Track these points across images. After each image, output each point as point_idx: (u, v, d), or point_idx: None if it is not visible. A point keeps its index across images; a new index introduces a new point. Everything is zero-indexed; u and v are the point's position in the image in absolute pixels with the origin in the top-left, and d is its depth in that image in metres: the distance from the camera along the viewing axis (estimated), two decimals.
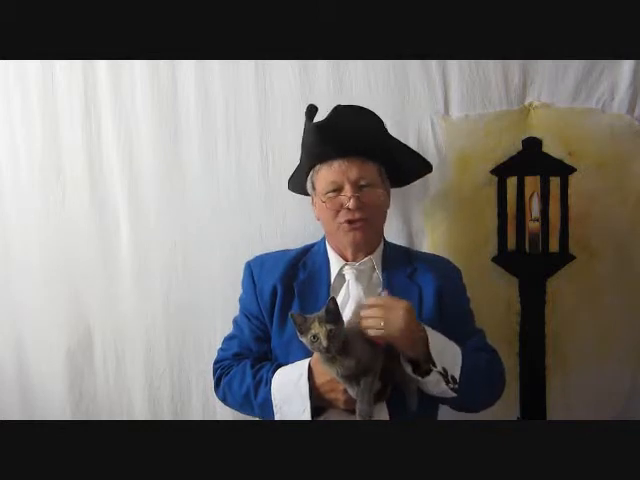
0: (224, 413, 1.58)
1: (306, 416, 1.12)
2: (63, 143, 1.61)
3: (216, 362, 1.32)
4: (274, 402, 1.16)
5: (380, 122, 1.28)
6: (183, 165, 1.59)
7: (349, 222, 1.21)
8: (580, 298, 1.51)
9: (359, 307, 1.14)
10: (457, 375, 1.11)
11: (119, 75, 1.57)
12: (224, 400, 1.30)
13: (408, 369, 1.12)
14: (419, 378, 1.11)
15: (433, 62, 1.48)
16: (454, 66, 1.48)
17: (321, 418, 1.15)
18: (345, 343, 1.06)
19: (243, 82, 1.55)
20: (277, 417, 1.17)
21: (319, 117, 1.23)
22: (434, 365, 1.09)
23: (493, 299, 1.51)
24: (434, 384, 1.11)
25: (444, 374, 1.10)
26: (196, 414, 1.63)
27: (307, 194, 1.34)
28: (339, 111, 1.22)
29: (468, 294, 1.33)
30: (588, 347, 1.51)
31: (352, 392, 1.09)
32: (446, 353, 1.13)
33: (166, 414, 1.64)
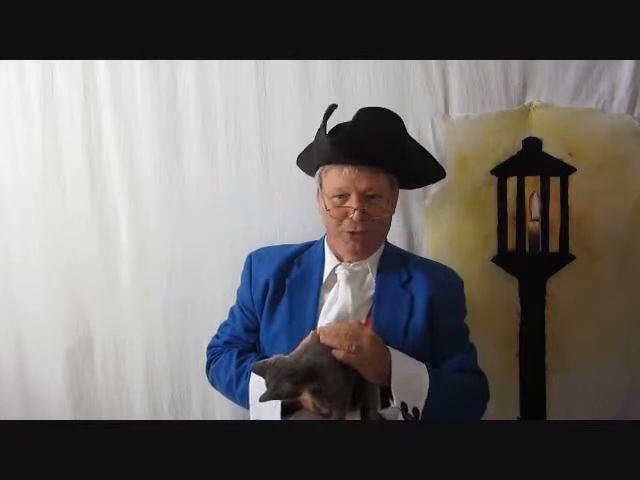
0: (224, 413, 1.59)
1: (277, 413, 1.13)
2: (63, 143, 1.61)
3: (209, 347, 1.37)
4: (250, 395, 1.18)
5: (399, 126, 1.22)
6: (183, 165, 1.59)
7: (350, 233, 1.21)
8: (580, 298, 1.51)
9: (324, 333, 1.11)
10: (421, 406, 1.10)
11: (119, 75, 1.57)
12: (213, 385, 1.34)
13: (377, 395, 1.12)
14: (379, 408, 1.11)
15: (433, 62, 1.48)
16: (454, 66, 1.48)
17: (292, 417, 1.15)
18: (314, 370, 1.05)
19: (243, 82, 1.55)
20: (251, 410, 1.19)
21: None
22: (392, 399, 1.09)
23: (493, 299, 1.51)
24: (392, 416, 1.11)
25: (403, 409, 1.09)
26: (196, 414, 1.64)
27: (312, 176, 1.32)
28: (359, 119, 1.15)
29: (467, 296, 1.31)
30: (588, 347, 1.51)
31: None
32: (412, 382, 1.12)
33: (166, 414, 1.64)
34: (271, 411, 1.14)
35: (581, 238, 1.50)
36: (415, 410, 1.10)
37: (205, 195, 1.58)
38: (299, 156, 1.39)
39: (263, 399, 1.05)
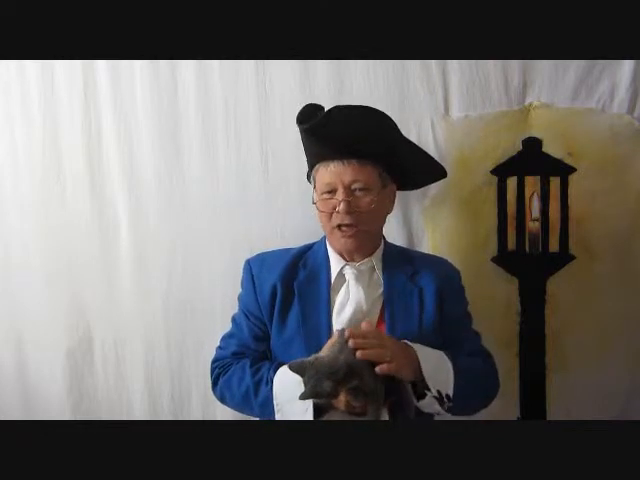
0: (224, 413, 1.58)
1: (308, 416, 1.12)
2: (63, 143, 1.61)
3: (214, 361, 1.32)
4: (275, 401, 1.16)
5: (387, 122, 1.24)
6: (183, 165, 1.58)
7: (340, 227, 1.21)
8: (580, 298, 1.51)
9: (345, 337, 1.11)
10: (451, 392, 1.12)
11: (119, 75, 1.57)
12: (222, 400, 1.30)
13: (409, 389, 1.12)
14: (415, 401, 1.12)
15: (433, 62, 1.48)
16: (454, 66, 1.48)
17: (323, 418, 1.14)
18: (354, 368, 1.05)
19: (243, 82, 1.55)
20: (277, 416, 1.17)
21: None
22: (428, 389, 1.10)
23: (493, 299, 1.52)
24: (429, 406, 1.12)
25: (439, 397, 1.10)
26: (196, 414, 1.63)
27: None
28: (333, 112, 1.19)
29: (467, 295, 1.33)
30: (588, 347, 1.51)
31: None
32: (439, 370, 1.13)
33: (166, 414, 1.64)
34: (302, 415, 1.12)
35: (581, 238, 1.50)
36: (447, 397, 1.12)
37: (205, 195, 1.58)
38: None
39: (303, 397, 1.04)
